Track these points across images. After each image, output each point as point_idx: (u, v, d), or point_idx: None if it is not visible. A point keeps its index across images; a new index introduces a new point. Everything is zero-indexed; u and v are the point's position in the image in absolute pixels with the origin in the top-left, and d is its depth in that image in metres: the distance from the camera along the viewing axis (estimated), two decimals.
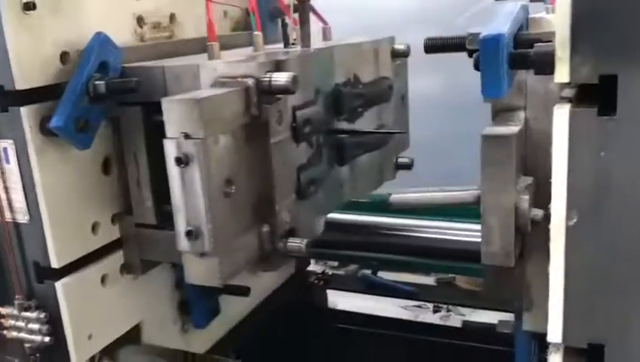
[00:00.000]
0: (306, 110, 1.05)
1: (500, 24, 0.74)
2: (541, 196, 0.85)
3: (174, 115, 0.84)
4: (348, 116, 1.27)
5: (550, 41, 0.69)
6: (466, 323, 1.68)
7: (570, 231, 0.68)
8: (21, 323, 1.02)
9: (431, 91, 2.44)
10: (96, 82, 0.93)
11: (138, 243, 1.10)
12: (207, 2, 1.05)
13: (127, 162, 1.06)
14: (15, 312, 1.02)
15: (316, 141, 1.13)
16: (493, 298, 1.16)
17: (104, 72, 0.96)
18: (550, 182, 0.70)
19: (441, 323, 1.75)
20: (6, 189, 0.96)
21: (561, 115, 0.66)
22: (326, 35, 1.37)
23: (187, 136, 0.83)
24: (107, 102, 0.97)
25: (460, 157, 2.31)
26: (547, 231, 0.74)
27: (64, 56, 0.97)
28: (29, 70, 0.91)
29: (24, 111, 0.92)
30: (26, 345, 1.03)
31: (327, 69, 1.18)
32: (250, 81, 0.92)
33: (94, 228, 1.05)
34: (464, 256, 1.52)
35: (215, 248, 0.87)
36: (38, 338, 1.02)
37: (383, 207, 2.15)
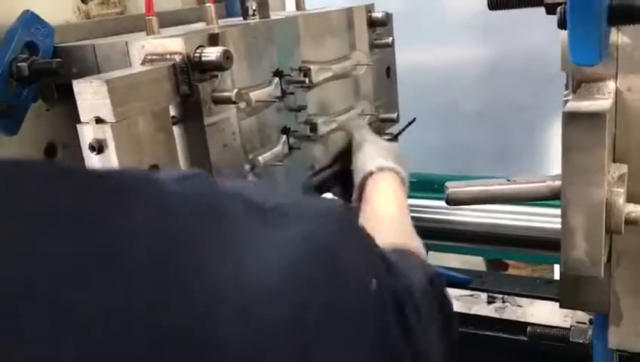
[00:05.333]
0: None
1: None
2: (634, 188, 0.71)
3: (85, 98, 0.77)
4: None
5: None
6: (533, 329, 1.42)
7: None
8: None
9: (481, 59, 2.24)
10: (19, 64, 0.88)
11: None
12: None
13: (72, 146, 1.01)
14: None
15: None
16: (571, 308, 0.97)
17: (34, 53, 0.91)
18: None
19: (498, 316, 1.57)
20: None
21: None
22: (299, 3, 1.28)
23: (99, 121, 0.77)
24: (36, 85, 0.92)
25: (515, 131, 2.19)
26: None
27: None
28: None
29: None
30: None
31: (288, 41, 1.10)
32: (178, 58, 0.85)
33: None
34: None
35: None
36: None
37: None
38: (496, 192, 0.70)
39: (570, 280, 0.75)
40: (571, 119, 0.65)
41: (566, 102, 0.75)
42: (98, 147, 0.77)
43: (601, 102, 0.66)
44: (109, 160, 0.78)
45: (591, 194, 0.65)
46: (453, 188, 0.70)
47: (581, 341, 1.05)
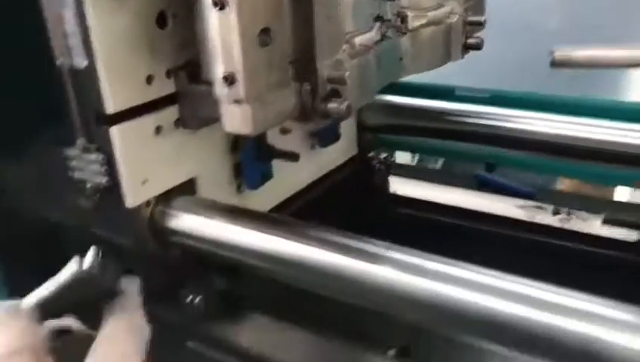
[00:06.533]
0: None
1: None
2: None
3: None
4: None
5: None
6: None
7: None
8: (83, 164, 1.11)
9: None
10: None
11: (192, 98, 1.13)
12: None
13: (180, 16, 1.08)
14: (78, 154, 1.11)
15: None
16: None
17: None
18: None
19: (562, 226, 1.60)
20: (64, 35, 1.01)
21: None
22: None
23: None
24: None
25: None
26: None
27: None
28: None
29: None
30: (87, 186, 1.12)
31: None
32: None
33: (149, 79, 1.09)
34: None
35: (249, 95, 0.89)
36: (97, 179, 1.10)
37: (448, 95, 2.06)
38: (603, 57, 0.72)
39: None
40: None
41: None
42: (221, 3, 0.84)
43: None
44: (229, 17, 0.85)
45: None
46: (561, 51, 0.73)
47: None
